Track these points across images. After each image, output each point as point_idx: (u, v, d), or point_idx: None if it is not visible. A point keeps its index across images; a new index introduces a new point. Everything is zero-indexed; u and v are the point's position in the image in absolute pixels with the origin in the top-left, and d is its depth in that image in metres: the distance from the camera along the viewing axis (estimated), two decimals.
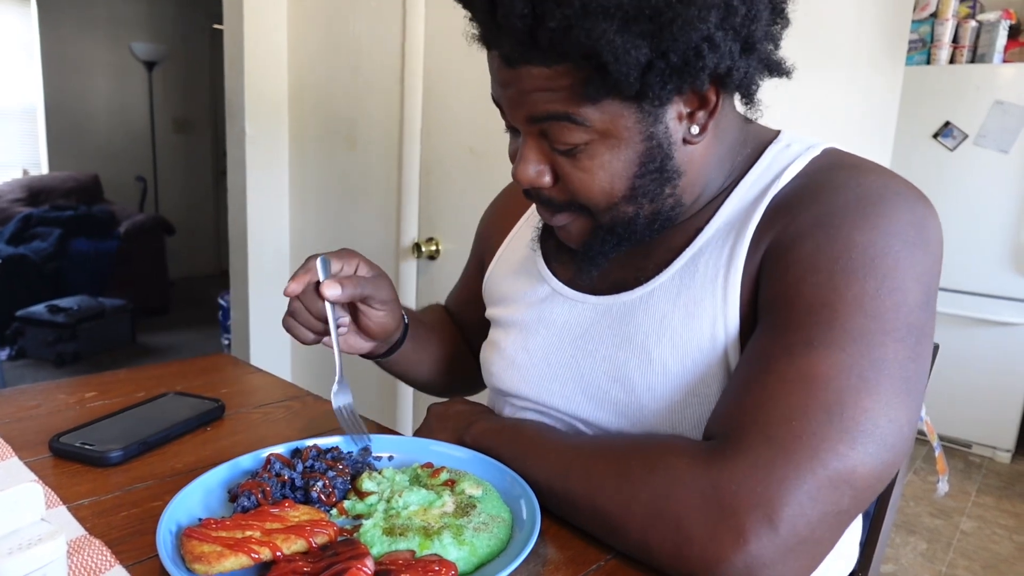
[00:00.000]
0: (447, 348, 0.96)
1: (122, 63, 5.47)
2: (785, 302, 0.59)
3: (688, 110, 0.63)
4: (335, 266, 0.74)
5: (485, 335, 0.89)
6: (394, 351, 0.86)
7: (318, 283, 0.72)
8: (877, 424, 0.53)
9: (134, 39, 5.47)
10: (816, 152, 0.68)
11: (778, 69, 0.65)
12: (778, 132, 0.72)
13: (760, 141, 0.71)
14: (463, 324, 1.00)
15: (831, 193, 0.61)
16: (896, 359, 0.55)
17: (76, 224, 4.32)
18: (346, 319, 0.77)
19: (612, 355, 0.70)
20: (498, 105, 0.67)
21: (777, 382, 0.55)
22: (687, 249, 0.68)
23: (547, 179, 0.66)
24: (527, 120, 0.63)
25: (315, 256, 0.73)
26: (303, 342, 0.76)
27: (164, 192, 5.81)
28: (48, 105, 5.14)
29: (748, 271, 0.64)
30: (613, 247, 0.69)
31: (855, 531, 0.86)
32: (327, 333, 0.75)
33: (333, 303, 0.72)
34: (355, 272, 0.76)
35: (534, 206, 0.86)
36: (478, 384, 0.99)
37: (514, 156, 0.69)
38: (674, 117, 0.62)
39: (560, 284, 0.78)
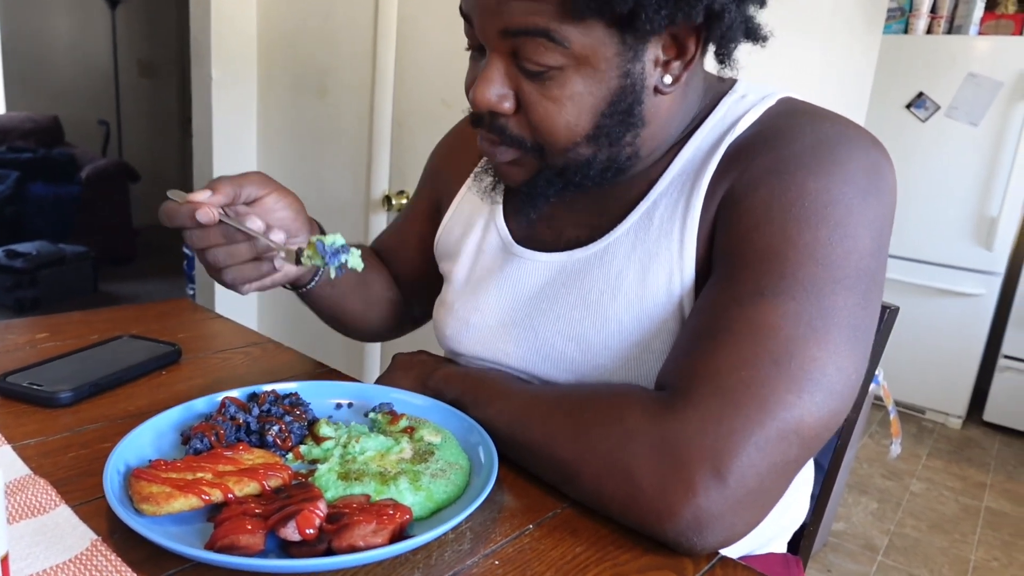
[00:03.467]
0: (374, 288, 0.91)
1: (84, 0, 5.24)
2: (738, 251, 0.59)
3: (666, 57, 0.61)
4: (198, 195, 0.64)
5: (421, 280, 0.89)
6: (313, 281, 0.79)
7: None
8: (825, 373, 0.53)
9: None
10: (772, 101, 0.67)
11: (755, 34, 0.64)
12: (734, 82, 0.71)
13: (716, 91, 0.70)
14: (397, 264, 0.94)
15: (786, 140, 0.61)
16: (846, 307, 0.55)
17: (35, 167, 4.18)
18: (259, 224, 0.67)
19: (567, 314, 0.69)
20: (466, 18, 0.62)
21: (727, 332, 0.55)
22: (641, 203, 0.67)
23: (508, 105, 0.62)
24: (500, 34, 0.59)
25: (166, 199, 0.64)
26: (247, 281, 0.68)
27: (128, 137, 5.63)
28: (4, 42, 4.91)
29: (704, 221, 0.63)
30: (558, 190, 0.67)
31: (806, 483, 0.87)
32: (253, 261, 0.67)
33: (218, 207, 0.63)
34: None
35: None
36: (404, 330, 0.98)
37: (468, 80, 0.65)
38: (651, 60, 0.60)
39: (513, 243, 0.76)
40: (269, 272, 0.69)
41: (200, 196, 0.63)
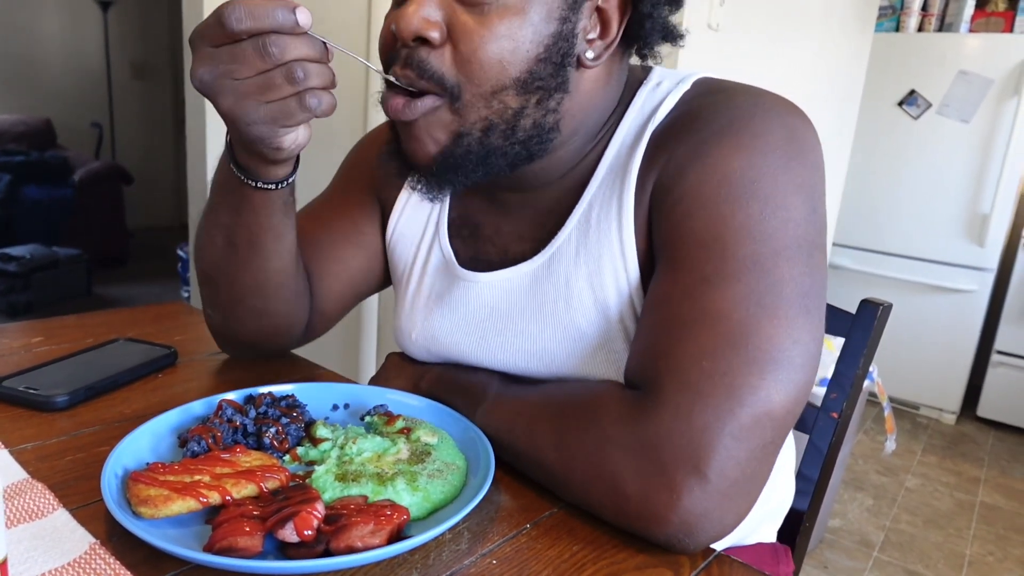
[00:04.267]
0: (294, 255, 0.76)
1: (75, 2, 5.22)
2: (677, 241, 0.59)
3: (591, 36, 0.62)
4: None
5: (351, 278, 0.83)
6: (298, 166, 0.68)
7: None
8: (783, 349, 0.53)
9: None
10: (687, 85, 0.67)
11: (672, 33, 0.65)
12: (649, 71, 0.71)
13: (633, 82, 0.70)
14: (324, 259, 0.83)
15: (704, 121, 0.61)
16: (792, 278, 0.55)
17: (27, 170, 4.16)
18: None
19: (524, 330, 0.69)
20: None
21: (682, 324, 0.56)
22: (577, 207, 0.67)
23: (436, 35, 0.57)
24: None
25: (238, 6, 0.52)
26: (329, 110, 0.55)
27: (121, 139, 5.61)
28: None
29: (639, 214, 0.63)
30: (477, 162, 0.61)
31: (788, 463, 0.88)
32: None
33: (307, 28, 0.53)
34: None
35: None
36: (297, 330, 0.82)
37: (386, 23, 0.60)
38: (582, 29, 0.61)
39: (457, 265, 0.75)
40: (333, 108, 0.56)
41: (304, 17, 0.53)
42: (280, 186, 0.66)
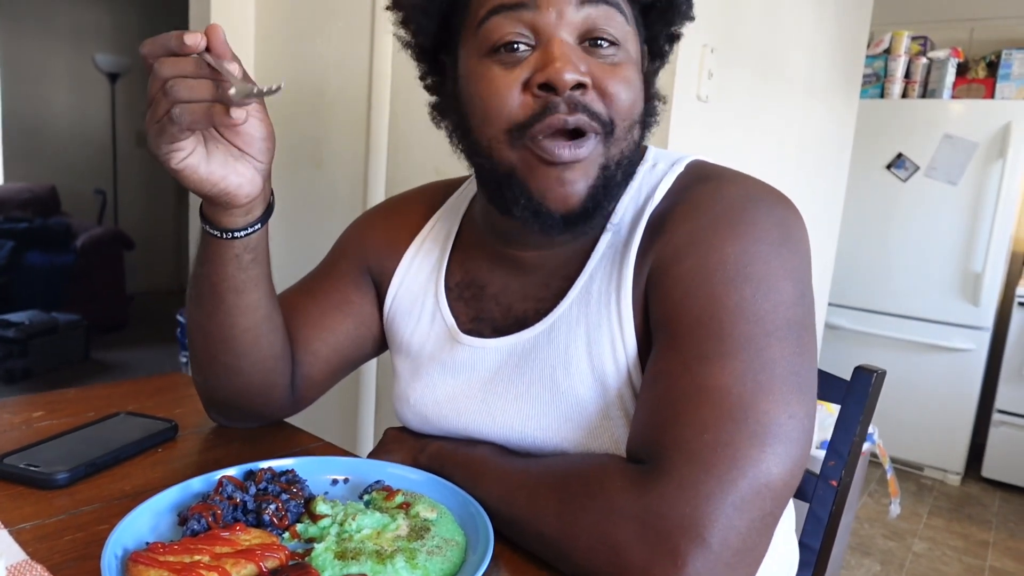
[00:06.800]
0: (276, 316, 0.78)
1: (84, 74, 5.38)
2: (674, 320, 0.61)
3: None
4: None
5: (311, 351, 0.83)
6: (258, 225, 0.71)
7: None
8: (780, 423, 0.55)
9: (97, 51, 5.39)
10: (681, 168, 0.72)
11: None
12: (645, 150, 0.76)
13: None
14: (314, 329, 0.84)
15: (699, 209, 0.65)
16: (783, 357, 0.58)
17: (30, 236, 4.21)
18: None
19: (524, 394, 0.71)
20: (516, 6, 0.63)
21: (683, 399, 0.57)
22: (580, 276, 0.70)
23: (588, 80, 0.63)
24: (578, 3, 0.63)
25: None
26: (193, 123, 0.59)
27: (124, 206, 5.69)
28: (5, 115, 5.02)
29: (636, 292, 0.66)
30: (605, 200, 0.67)
31: (788, 528, 0.87)
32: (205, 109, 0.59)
33: (205, 41, 0.58)
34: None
35: (424, 233, 0.84)
36: (277, 392, 0.82)
37: (504, 86, 0.64)
38: None
39: (460, 332, 0.76)
40: (198, 118, 0.59)
41: (192, 40, 0.58)
42: (226, 236, 0.69)
